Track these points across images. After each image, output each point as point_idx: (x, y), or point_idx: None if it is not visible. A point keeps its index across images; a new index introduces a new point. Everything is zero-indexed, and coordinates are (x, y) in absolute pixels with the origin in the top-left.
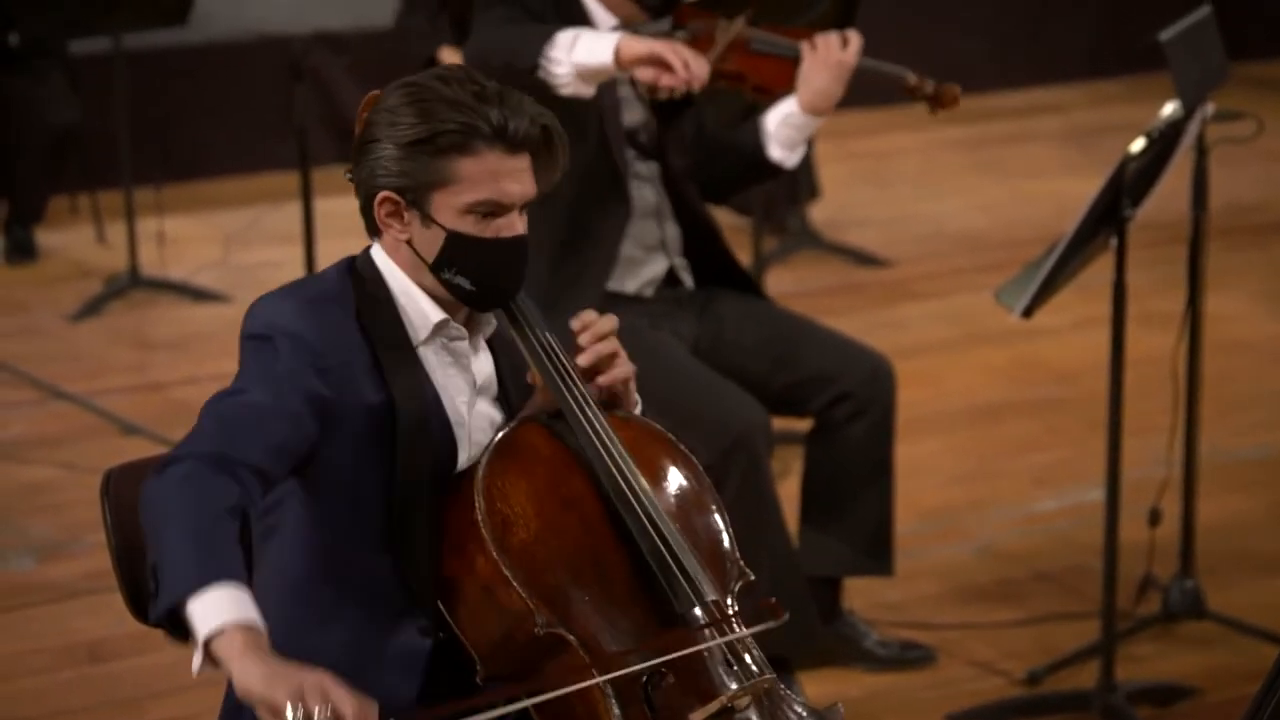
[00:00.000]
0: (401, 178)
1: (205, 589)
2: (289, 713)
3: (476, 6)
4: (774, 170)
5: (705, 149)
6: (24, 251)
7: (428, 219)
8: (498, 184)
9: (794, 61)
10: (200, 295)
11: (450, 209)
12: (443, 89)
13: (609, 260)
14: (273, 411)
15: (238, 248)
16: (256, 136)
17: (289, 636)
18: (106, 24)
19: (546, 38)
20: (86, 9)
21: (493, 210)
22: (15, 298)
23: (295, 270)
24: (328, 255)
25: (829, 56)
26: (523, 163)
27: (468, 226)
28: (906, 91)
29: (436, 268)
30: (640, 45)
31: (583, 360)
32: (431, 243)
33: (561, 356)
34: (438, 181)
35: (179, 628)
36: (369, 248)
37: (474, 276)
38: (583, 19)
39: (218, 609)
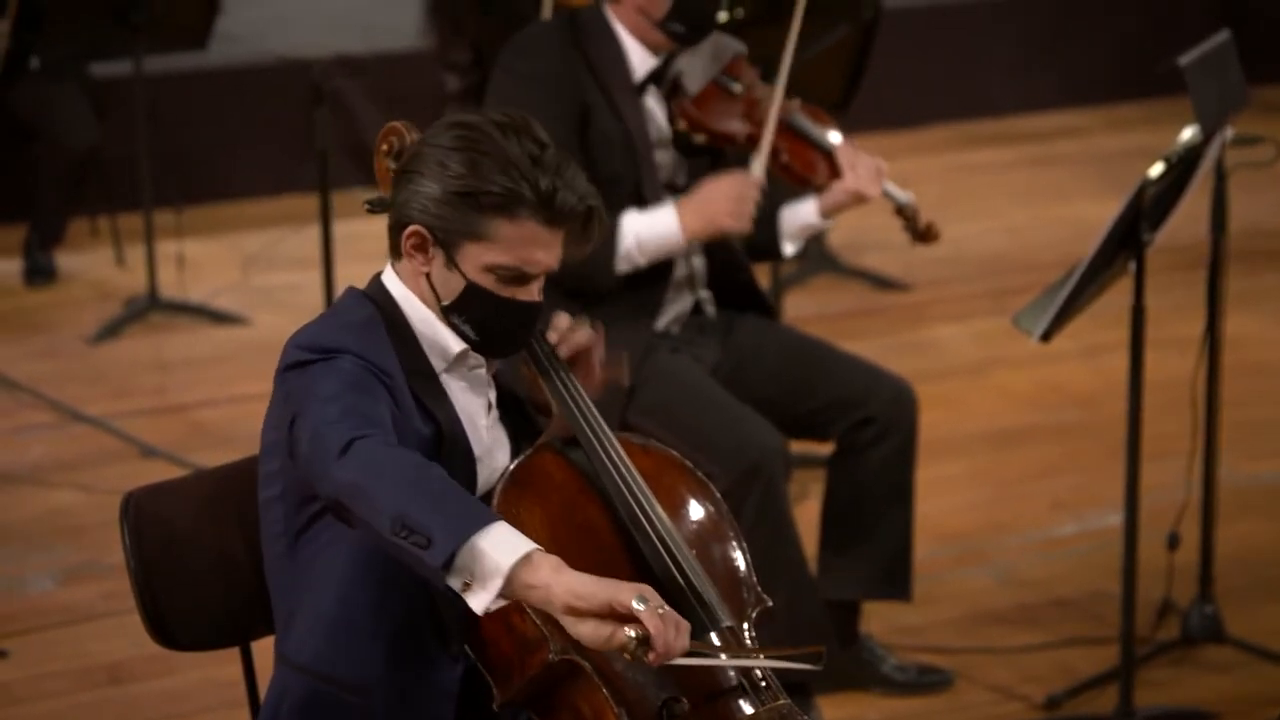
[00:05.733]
0: (437, 219)
1: (491, 524)
2: (636, 604)
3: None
4: (779, 258)
5: None
6: (44, 274)
7: (451, 263)
8: (528, 252)
9: (824, 153)
10: (219, 318)
11: (475, 262)
12: (500, 142)
13: (656, 302)
14: (374, 404)
15: (257, 270)
16: (276, 159)
17: (332, 661)
18: (127, 47)
19: (610, 254)
20: (107, 32)
21: (516, 276)
22: (35, 320)
23: (314, 293)
24: (347, 278)
25: (862, 187)
26: (558, 235)
27: (487, 282)
28: (901, 216)
29: (447, 310)
30: (700, 221)
31: (563, 352)
32: (448, 285)
33: (577, 383)
34: (472, 234)
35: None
36: (379, 275)
37: (480, 329)
38: (617, 55)
39: (512, 539)
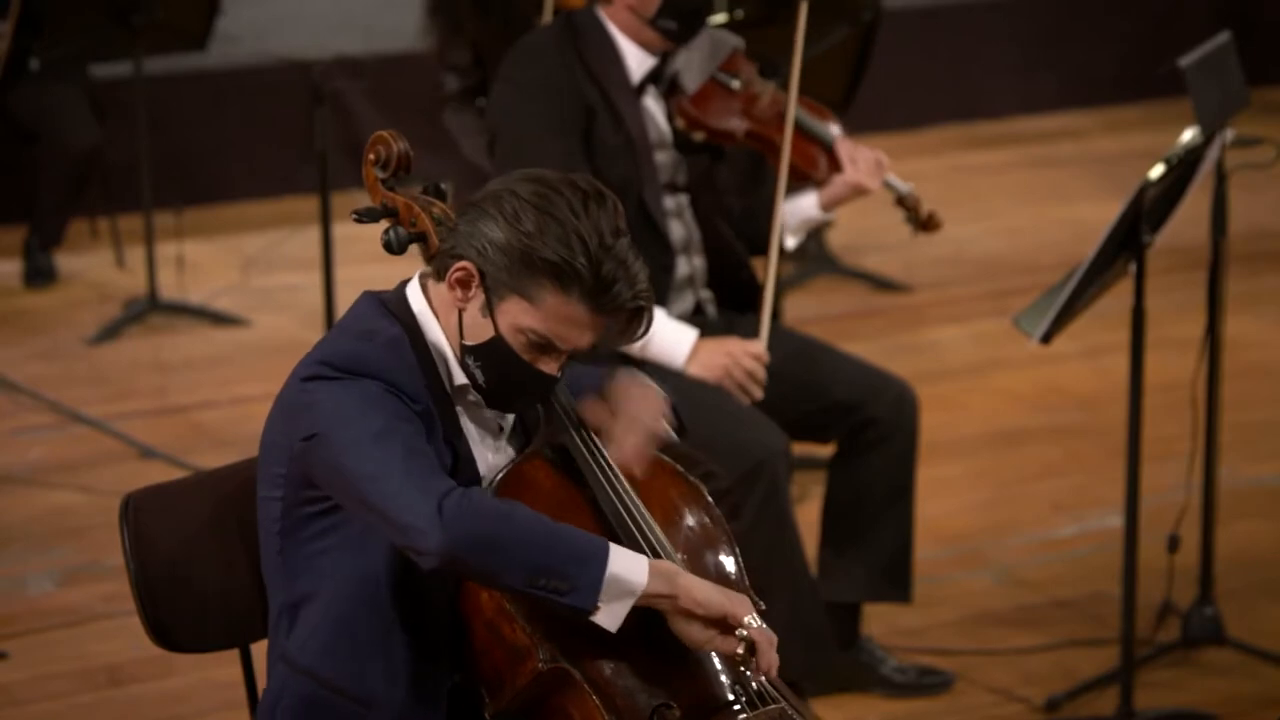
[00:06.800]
0: (492, 265)
1: (609, 549)
2: (750, 620)
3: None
4: (779, 251)
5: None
6: (44, 275)
7: (488, 310)
8: (565, 329)
9: (825, 147)
10: (219, 319)
11: (512, 319)
12: (576, 212)
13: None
14: (421, 437)
15: (257, 272)
16: (276, 161)
17: (334, 667)
18: (127, 49)
19: None
20: (107, 34)
21: (545, 347)
22: (35, 321)
23: (314, 295)
24: (346, 280)
25: (862, 180)
26: (600, 322)
27: (516, 342)
28: (903, 207)
29: (466, 350)
30: (707, 369)
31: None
32: (476, 329)
33: (566, 387)
34: (519, 292)
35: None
36: (404, 285)
37: (490, 382)
38: (613, 57)
39: (630, 557)
